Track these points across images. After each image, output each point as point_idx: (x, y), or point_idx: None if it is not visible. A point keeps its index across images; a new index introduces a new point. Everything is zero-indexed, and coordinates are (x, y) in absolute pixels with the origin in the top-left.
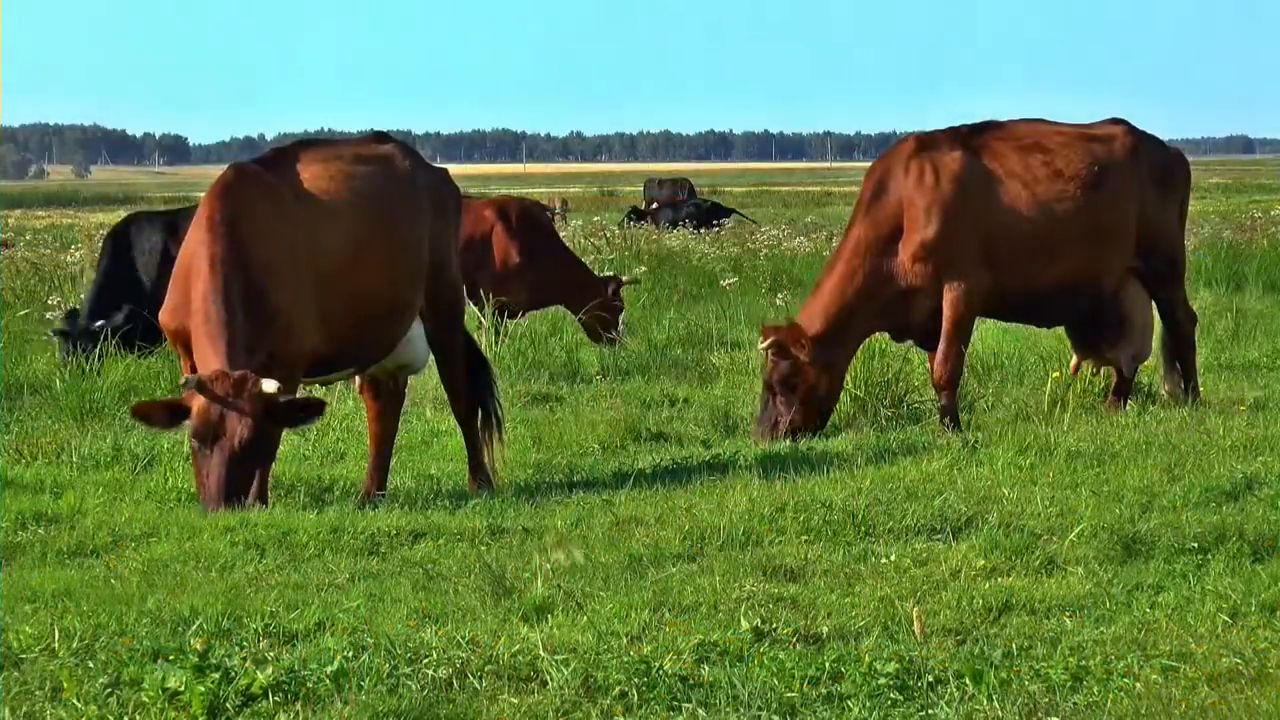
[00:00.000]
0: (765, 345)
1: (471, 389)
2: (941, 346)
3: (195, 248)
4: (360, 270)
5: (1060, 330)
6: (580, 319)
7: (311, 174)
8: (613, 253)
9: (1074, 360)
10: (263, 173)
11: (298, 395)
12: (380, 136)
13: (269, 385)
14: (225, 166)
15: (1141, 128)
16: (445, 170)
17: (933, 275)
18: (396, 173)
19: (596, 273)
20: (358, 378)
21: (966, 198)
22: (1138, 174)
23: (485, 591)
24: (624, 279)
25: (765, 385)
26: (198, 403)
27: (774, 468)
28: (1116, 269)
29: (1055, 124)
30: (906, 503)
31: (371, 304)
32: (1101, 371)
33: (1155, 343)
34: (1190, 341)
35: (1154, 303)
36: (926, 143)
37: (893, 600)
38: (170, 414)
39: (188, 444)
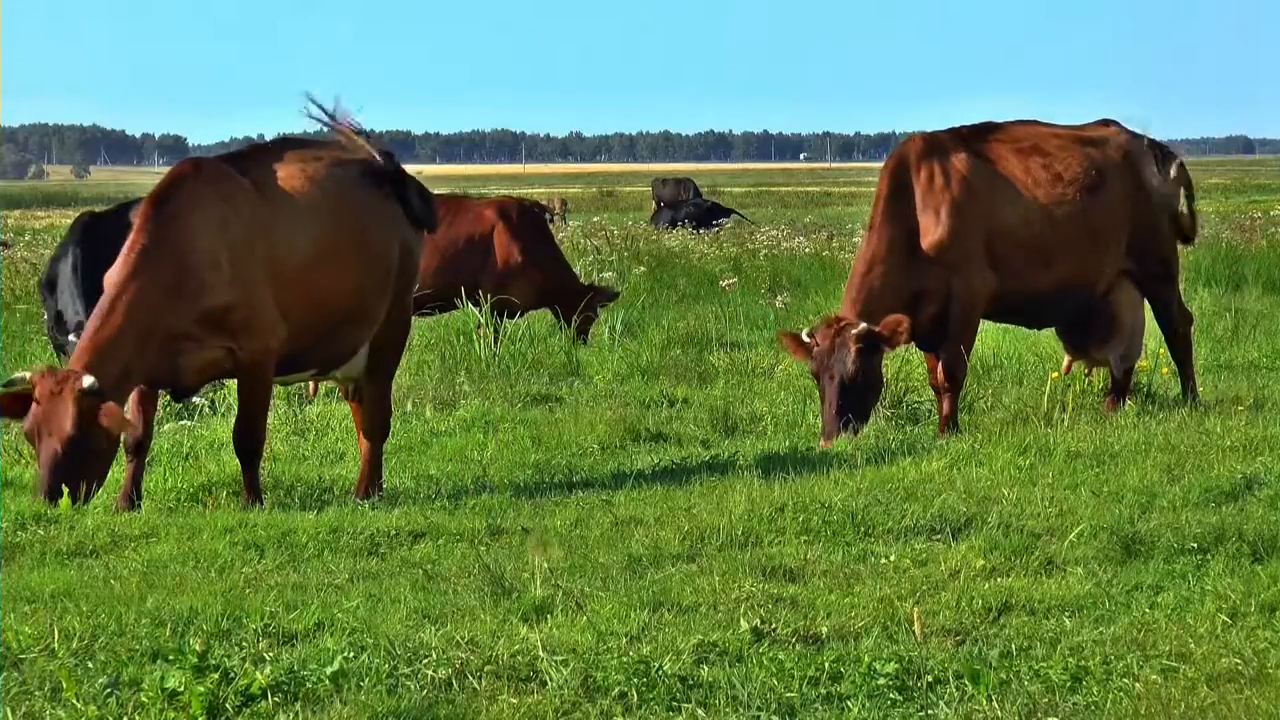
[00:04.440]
0: (858, 332)
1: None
2: (948, 348)
3: (130, 235)
4: (326, 272)
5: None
6: (576, 321)
7: (286, 173)
8: (612, 253)
9: (1066, 360)
10: (221, 167)
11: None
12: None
13: (88, 380)
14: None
15: (1135, 128)
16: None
17: (941, 277)
18: (374, 177)
19: (595, 275)
20: (320, 382)
21: (973, 199)
22: (1132, 177)
23: (485, 592)
24: (603, 290)
25: (843, 379)
26: (32, 401)
27: (773, 468)
28: (1110, 272)
29: (1050, 125)
30: (906, 503)
31: (335, 307)
32: (1094, 371)
33: (1152, 344)
34: (1187, 342)
35: (1149, 304)
36: (933, 144)
37: (892, 600)
38: (20, 405)
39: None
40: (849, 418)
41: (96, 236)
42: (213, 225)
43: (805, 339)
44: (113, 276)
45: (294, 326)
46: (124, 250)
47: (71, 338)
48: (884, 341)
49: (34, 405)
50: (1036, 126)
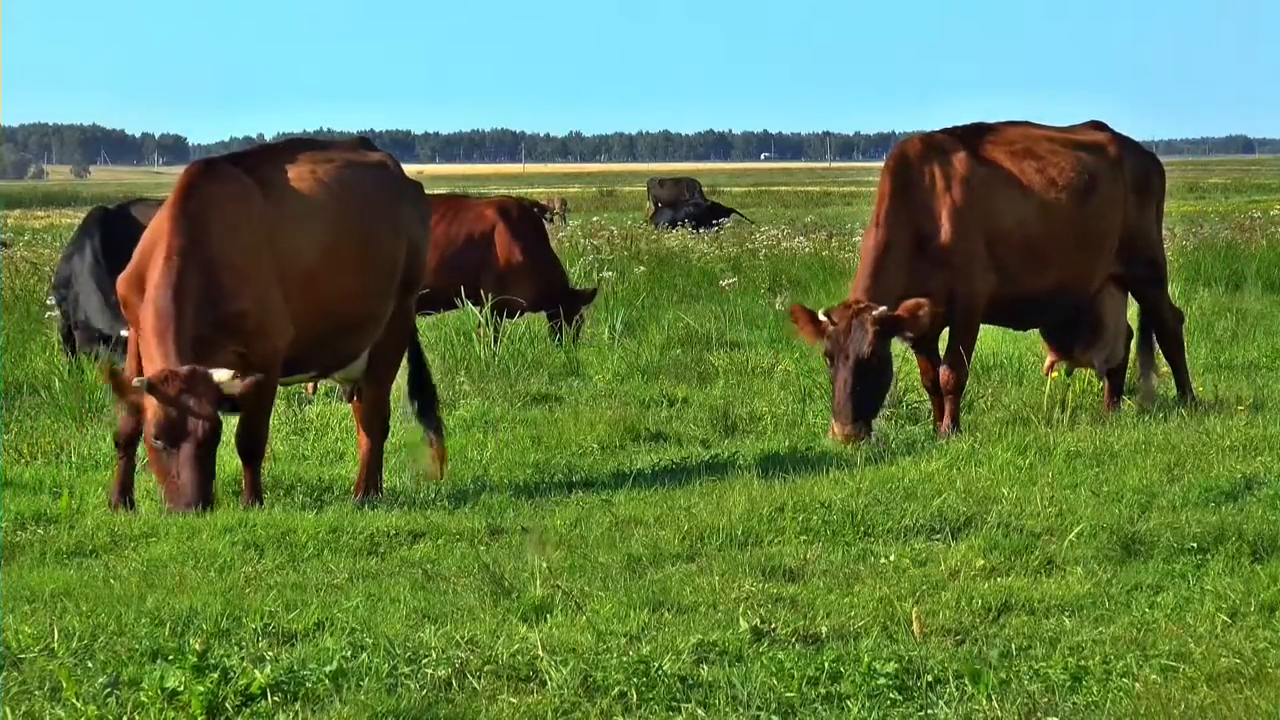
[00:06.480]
0: (878, 314)
1: (420, 406)
2: (950, 350)
3: (156, 237)
4: (331, 274)
5: None
6: (579, 318)
7: (296, 175)
8: (612, 253)
9: (1049, 360)
10: (232, 170)
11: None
12: (365, 143)
13: (220, 374)
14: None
15: (1125, 131)
16: (420, 184)
17: (943, 278)
18: (385, 183)
19: (595, 275)
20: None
21: (973, 201)
22: (1122, 182)
23: (484, 591)
24: (585, 291)
25: (859, 359)
26: (152, 405)
27: (773, 468)
28: (1101, 275)
29: (1041, 127)
30: (906, 503)
31: (339, 311)
32: (1075, 372)
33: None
34: (1179, 340)
35: (1140, 305)
36: (932, 145)
37: (892, 600)
38: (132, 403)
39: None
40: (862, 407)
41: (113, 230)
42: (227, 228)
43: (822, 318)
44: (153, 279)
45: (299, 328)
46: (158, 255)
47: (118, 330)
48: (903, 326)
49: (165, 408)
50: (1028, 128)
